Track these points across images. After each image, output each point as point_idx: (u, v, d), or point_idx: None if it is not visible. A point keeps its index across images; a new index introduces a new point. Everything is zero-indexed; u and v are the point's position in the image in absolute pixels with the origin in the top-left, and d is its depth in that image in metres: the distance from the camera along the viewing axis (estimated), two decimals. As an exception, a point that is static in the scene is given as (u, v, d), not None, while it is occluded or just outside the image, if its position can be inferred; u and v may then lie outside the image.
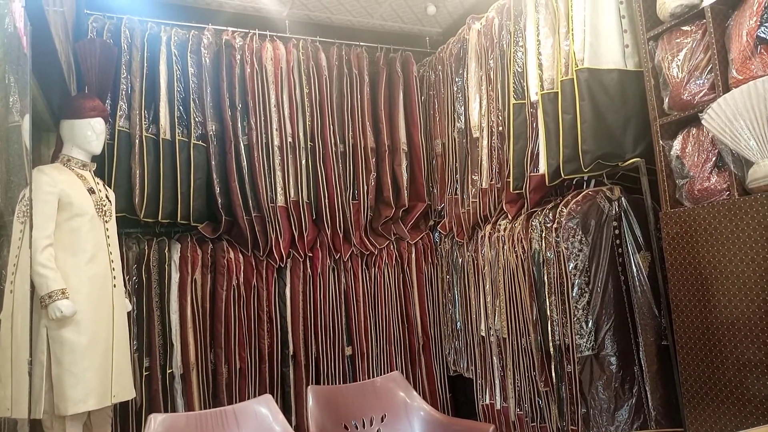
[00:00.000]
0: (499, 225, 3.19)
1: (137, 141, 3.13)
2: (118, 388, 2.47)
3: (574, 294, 2.58)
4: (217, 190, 3.32)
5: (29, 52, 1.94)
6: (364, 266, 3.73)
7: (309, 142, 3.62)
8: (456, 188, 3.65)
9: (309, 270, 3.53)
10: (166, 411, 2.99)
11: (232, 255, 3.32)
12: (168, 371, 3.09)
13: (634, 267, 2.55)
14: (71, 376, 2.30)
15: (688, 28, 2.30)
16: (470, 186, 3.48)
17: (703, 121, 2.13)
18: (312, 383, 3.39)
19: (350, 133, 3.77)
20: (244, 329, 3.30)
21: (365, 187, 3.78)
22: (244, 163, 3.38)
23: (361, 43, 3.95)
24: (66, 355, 2.31)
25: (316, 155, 3.62)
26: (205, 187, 3.31)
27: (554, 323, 2.68)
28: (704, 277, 2.16)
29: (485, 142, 3.33)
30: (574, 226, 2.62)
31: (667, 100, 2.38)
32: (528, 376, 2.92)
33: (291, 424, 3.22)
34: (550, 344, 2.70)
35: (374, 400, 2.37)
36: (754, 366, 1.96)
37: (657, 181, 2.42)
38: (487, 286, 3.26)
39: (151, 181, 3.14)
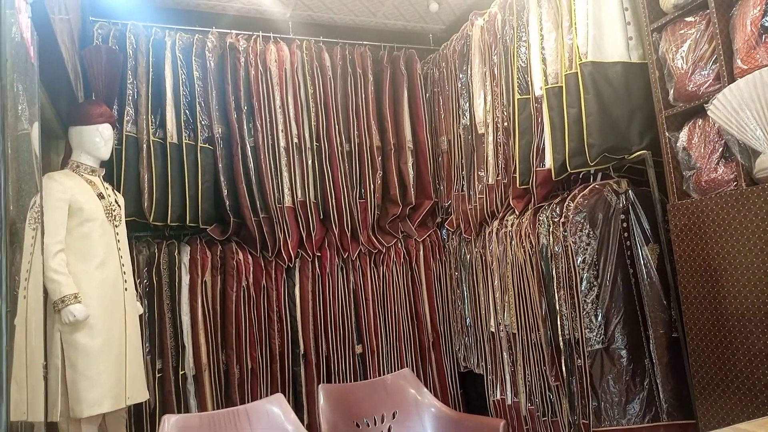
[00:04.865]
0: (507, 220, 3.19)
1: (145, 145, 3.16)
2: (131, 391, 2.50)
3: (582, 288, 2.58)
4: (225, 192, 3.35)
5: (37, 62, 1.97)
6: (372, 265, 3.75)
7: (315, 143, 3.63)
8: (462, 185, 3.65)
9: (318, 269, 3.54)
10: (179, 412, 3.02)
11: (241, 256, 3.34)
12: (181, 373, 3.12)
13: (642, 259, 2.54)
14: (85, 379, 2.33)
15: (692, 19, 2.29)
16: (477, 182, 3.48)
17: (708, 112, 2.12)
18: (323, 382, 3.41)
19: (356, 132, 3.78)
20: (255, 330, 3.32)
21: (372, 186, 3.79)
22: (251, 165, 3.40)
23: (365, 42, 3.96)
24: (80, 358, 2.34)
25: (322, 155, 3.63)
26: (212, 189, 3.33)
27: (563, 317, 2.68)
28: (713, 268, 2.15)
29: (491, 138, 3.32)
30: (582, 220, 2.62)
31: (672, 91, 2.37)
32: (538, 371, 2.92)
33: (303, 423, 3.24)
34: (560, 338, 2.70)
35: (385, 398, 2.38)
36: (765, 356, 1.95)
37: (664, 173, 2.41)
38: (496, 282, 3.26)
39: (160, 184, 3.17)
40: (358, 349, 3.61)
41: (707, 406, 2.19)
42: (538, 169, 2.93)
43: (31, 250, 1.94)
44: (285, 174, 3.53)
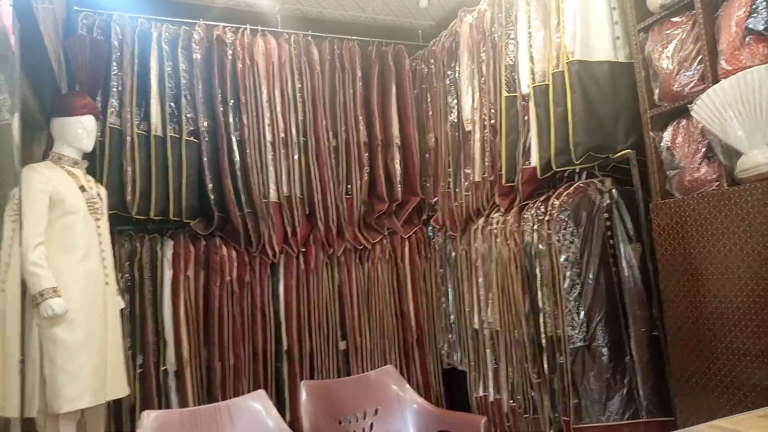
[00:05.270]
0: (492, 218, 3.19)
1: (128, 138, 3.12)
2: (111, 386, 2.48)
3: (565, 286, 2.59)
4: (210, 186, 3.31)
5: (18, 51, 1.93)
6: (357, 261, 3.74)
7: (301, 138, 3.61)
8: (449, 182, 3.65)
9: (302, 265, 3.53)
10: (160, 408, 2.99)
11: (225, 251, 3.32)
12: (162, 368, 3.09)
13: (625, 258, 2.55)
14: (64, 374, 2.30)
15: (678, 19, 2.31)
16: (463, 179, 3.48)
17: (692, 112, 2.14)
18: (306, 378, 3.40)
19: (343, 127, 3.76)
20: (238, 325, 3.30)
21: (358, 182, 3.77)
22: (237, 159, 3.37)
23: (354, 38, 3.94)
24: (59, 353, 2.31)
25: (309, 150, 3.61)
26: (197, 183, 3.30)
27: (546, 315, 2.69)
28: (694, 267, 2.17)
29: (478, 136, 3.33)
30: (566, 218, 2.63)
31: (657, 91, 2.39)
32: (521, 368, 2.93)
33: (285, 419, 3.22)
34: (543, 336, 2.71)
35: (368, 394, 2.38)
36: (743, 355, 1.98)
37: (648, 173, 2.43)
38: (480, 279, 3.26)
39: (143, 177, 3.13)
40: (342, 345, 3.61)
41: (686, 404, 2.21)
42: (523, 167, 2.94)
43: (10, 243, 1.91)
44: (271, 169, 3.50)
